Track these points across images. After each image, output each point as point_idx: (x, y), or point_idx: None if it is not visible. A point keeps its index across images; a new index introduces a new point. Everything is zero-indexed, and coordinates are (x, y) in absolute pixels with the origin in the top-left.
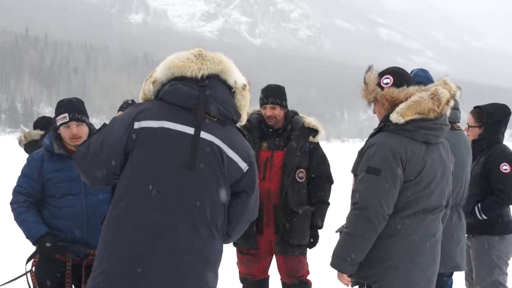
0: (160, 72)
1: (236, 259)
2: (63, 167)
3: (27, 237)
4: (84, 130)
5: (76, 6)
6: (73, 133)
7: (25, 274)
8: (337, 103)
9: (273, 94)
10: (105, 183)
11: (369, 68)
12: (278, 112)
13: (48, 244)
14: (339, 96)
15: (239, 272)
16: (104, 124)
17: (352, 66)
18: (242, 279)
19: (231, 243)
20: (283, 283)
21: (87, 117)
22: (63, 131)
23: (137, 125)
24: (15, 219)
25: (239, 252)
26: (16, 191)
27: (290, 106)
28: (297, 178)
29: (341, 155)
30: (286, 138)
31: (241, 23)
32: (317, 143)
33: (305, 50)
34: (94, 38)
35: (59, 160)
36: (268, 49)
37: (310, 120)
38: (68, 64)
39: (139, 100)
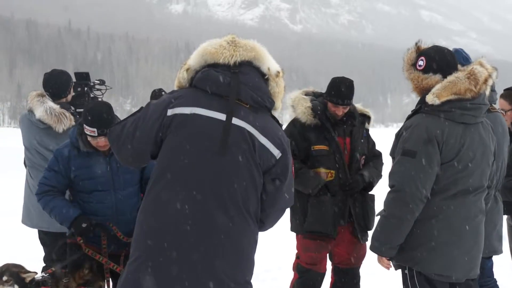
0: (194, 60)
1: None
2: (90, 164)
3: (61, 222)
4: None
5: None
6: (100, 145)
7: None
8: (380, 88)
9: (348, 95)
10: (135, 165)
11: (415, 45)
12: (347, 109)
13: (84, 225)
14: (382, 81)
15: (300, 262)
16: (141, 107)
17: (394, 50)
18: (304, 270)
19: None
20: (338, 268)
21: (116, 121)
22: (89, 138)
23: (170, 112)
24: (44, 208)
25: (309, 238)
26: (41, 183)
27: None
28: (360, 165)
29: (385, 139)
30: (350, 126)
31: (281, 10)
32: (368, 129)
33: (346, 35)
34: (136, 30)
35: (86, 156)
36: (309, 35)
37: (360, 107)
38: (110, 56)
39: (175, 88)
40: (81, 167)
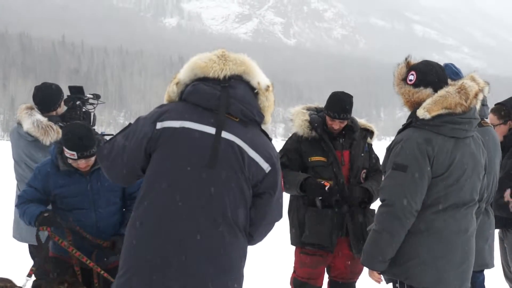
0: (184, 74)
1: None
2: (70, 182)
3: (29, 222)
4: (91, 161)
5: (111, 12)
6: (81, 166)
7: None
8: (373, 102)
9: (344, 110)
10: (126, 182)
11: (405, 60)
12: (344, 124)
13: (46, 214)
14: (375, 95)
15: (297, 277)
16: (130, 124)
17: (387, 64)
18: (300, 284)
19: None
20: (334, 282)
21: (96, 141)
22: (70, 160)
23: (159, 125)
24: (20, 216)
25: (306, 253)
26: (20, 195)
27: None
28: (361, 179)
29: (378, 153)
30: (349, 139)
31: (275, 24)
32: (371, 144)
33: (340, 49)
34: (130, 43)
35: (66, 174)
36: (302, 49)
37: (364, 122)
38: (104, 69)
39: (165, 101)
40: (61, 185)
